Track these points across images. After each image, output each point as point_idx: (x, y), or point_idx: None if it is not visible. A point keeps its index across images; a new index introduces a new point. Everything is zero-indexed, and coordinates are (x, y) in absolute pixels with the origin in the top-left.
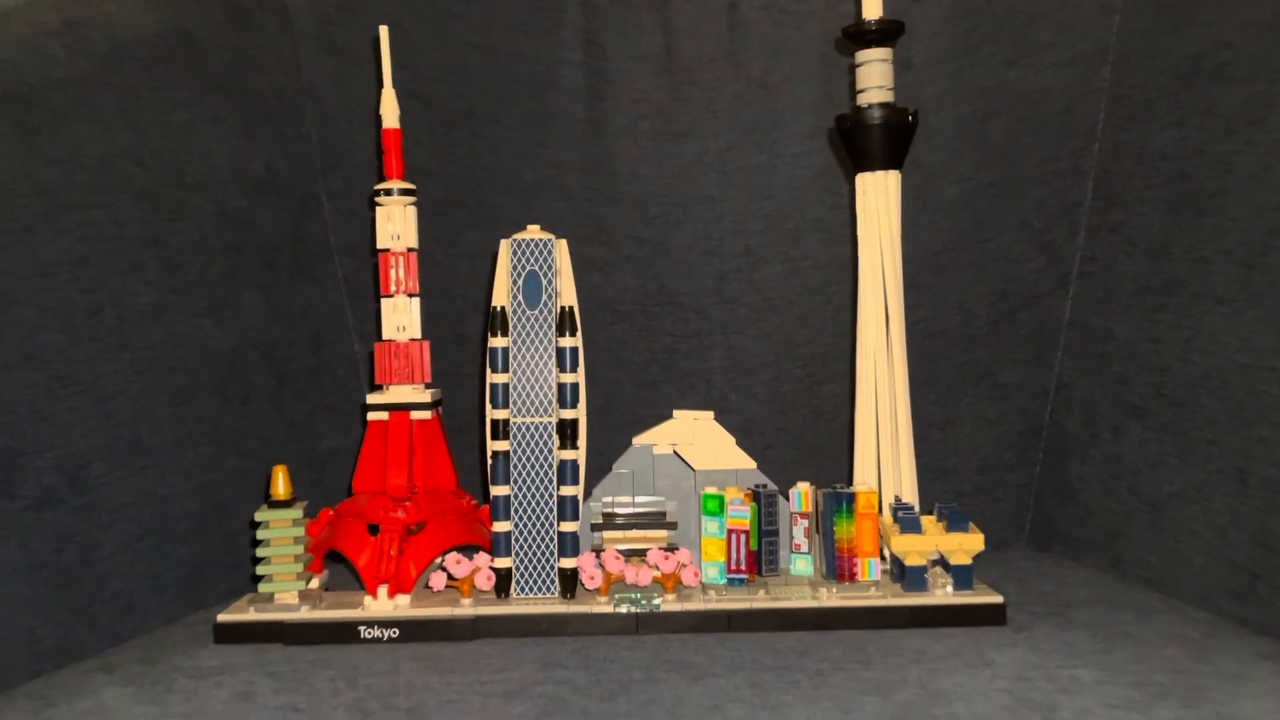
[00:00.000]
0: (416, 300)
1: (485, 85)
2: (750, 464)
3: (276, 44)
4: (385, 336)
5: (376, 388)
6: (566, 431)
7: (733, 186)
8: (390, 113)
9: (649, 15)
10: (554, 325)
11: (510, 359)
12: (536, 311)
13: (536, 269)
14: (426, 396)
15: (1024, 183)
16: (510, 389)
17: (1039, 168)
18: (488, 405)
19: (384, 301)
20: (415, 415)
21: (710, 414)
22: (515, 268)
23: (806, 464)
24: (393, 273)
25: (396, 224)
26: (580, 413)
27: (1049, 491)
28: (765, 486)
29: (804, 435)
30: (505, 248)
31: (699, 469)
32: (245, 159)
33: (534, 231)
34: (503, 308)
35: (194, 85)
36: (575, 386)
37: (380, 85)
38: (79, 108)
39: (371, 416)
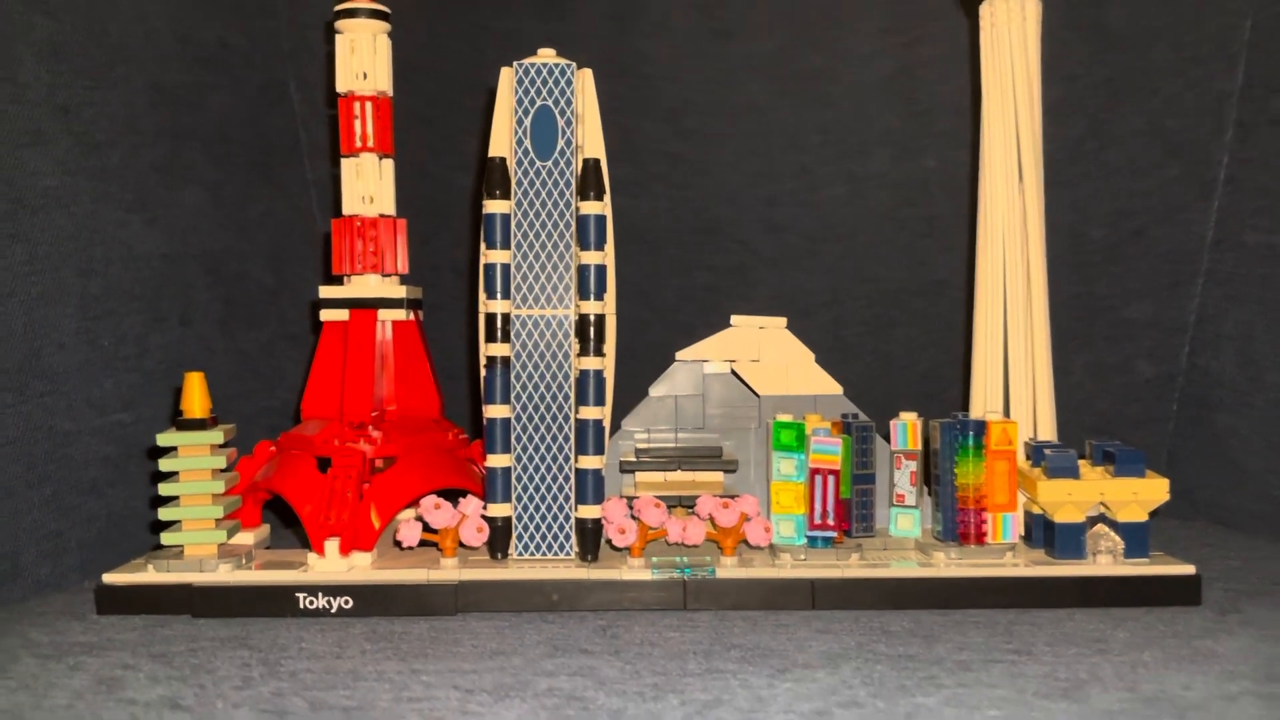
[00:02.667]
0: (389, 163)
1: None
2: (835, 388)
3: None
4: (346, 210)
5: (334, 280)
6: (590, 331)
7: (785, 94)
8: None
9: None
10: (574, 184)
11: (513, 229)
12: (549, 164)
13: (550, 104)
14: (401, 291)
15: (1152, 74)
16: (513, 271)
17: (1172, 54)
18: (481, 294)
19: (345, 163)
20: (385, 315)
21: (783, 321)
22: (522, 103)
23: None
24: (357, 124)
25: (364, 58)
26: (609, 306)
27: (1189, 451)
28: (856, 417)
29: (871, 388)
30: (507, 77)
31: (764, 394)
32: (191, 26)
33: (548, 55)
34: (503, 159)
35: None
36: (602, 269)
37: None
38: None
39: (326, 316)
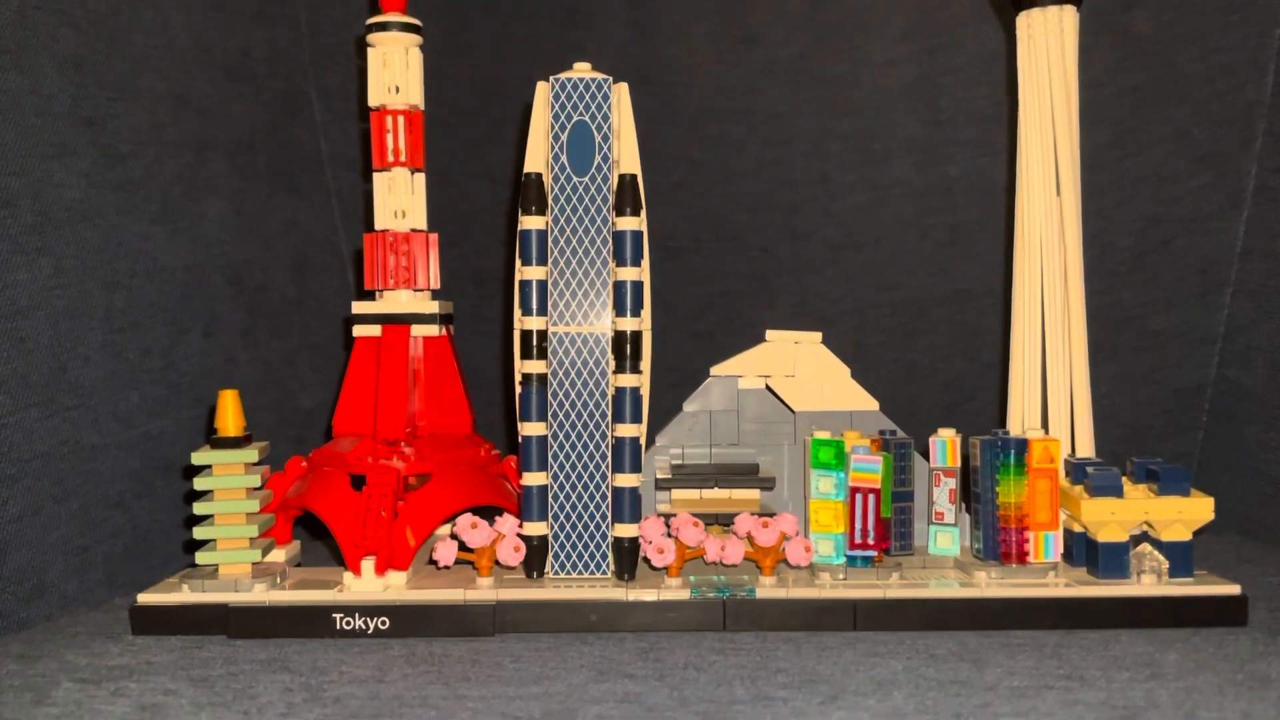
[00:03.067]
0: (421, 178)
1: None
2: (871, 403)
3: None
4: (378, 225)
5: (366, 295)
6: (626, 348)
7: (807, 101)
8: None
9: None
10: (610, 199)
11: (550, 245)
12: (586, 179)
13: (587, 119)
14: (433, 306)
15: (1180, 82)
16: (549, 288)
17: (1199, 63)
18: (517, 311)
19: (376, 178)
20: (418, 330)
21: (818, 336)
22: (559, 119)
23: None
24: (389, 138)
25: (396, 72)
26: (645, 323)
27: (1218, 463)
28: (894, 434)
29: (895, 397)
30: (543, 92)
31: (800, 410)
32: (214, 36)
33: (584, 70)
34: (539, 175)
35: None
36: (639, 285)
37: None
38: None
39: (358, 331)
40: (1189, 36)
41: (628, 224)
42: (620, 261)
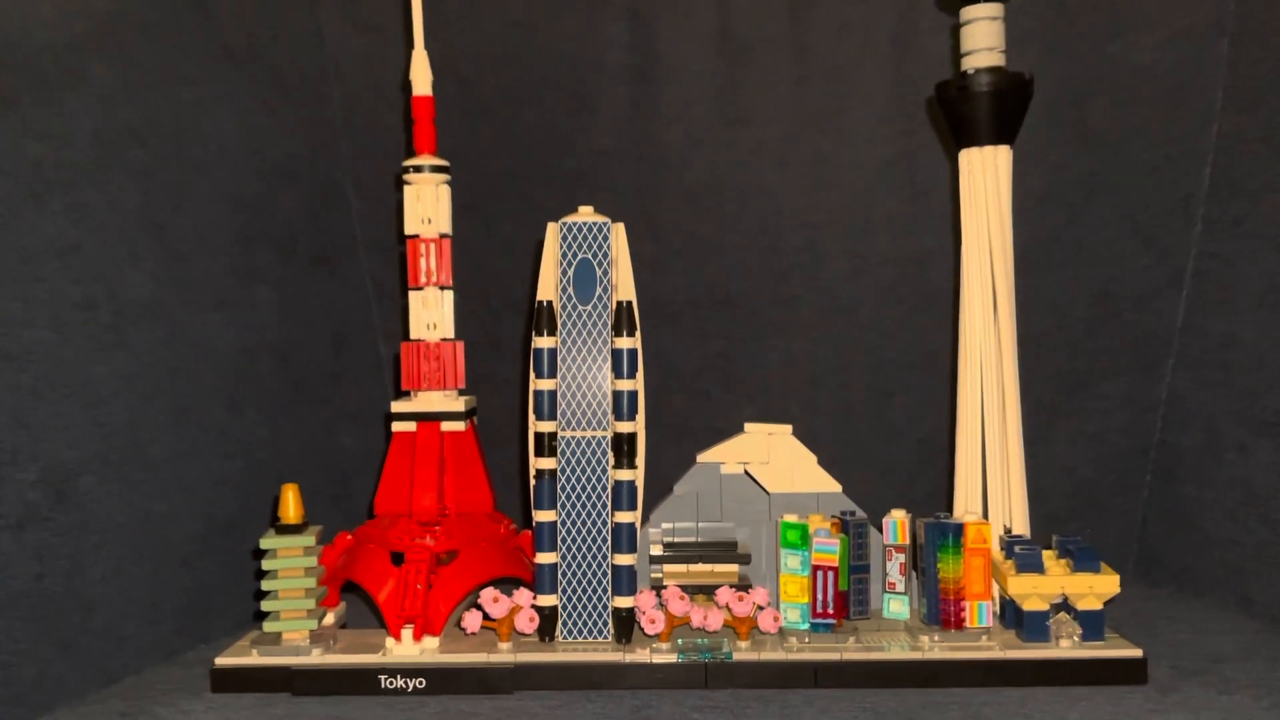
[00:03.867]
0: (449, 294)
1: (525, 64)
2: (835, 486)
3: (300, 17)
4: (413, 335)
5: (402, 394)
6: (624, 448)
7: (794, 177)
8: (421, 77)
9: None
10: (609, 323)
11: (559, 362)
12: (589, 307)
13: (590, 257)
14: (460, 405)
15: (1128, 172)
16: (558, 397)
17: (1145, 154)
18: (531, 416)
19: (412, 295)
20: (447, 426)
21: (788, 428)
22: (566, 255)
23: (878, 484)
24: (423, 261)
25: (428, 206)
26: (639, 426)
27: (1159, 519)
28: (854, 514)
29: (874, 451)
30: (553, 232)
31: (774, 492)
32: (261, 141)
33: (587, 214)
34: (549, 302)
35: (205, 58)
36: (634, 395)
37: (410, 49)
38: (71, 76)
39: (397, 427)
40: (1136, 129)
41: (624, 343)
42: (618, 375)
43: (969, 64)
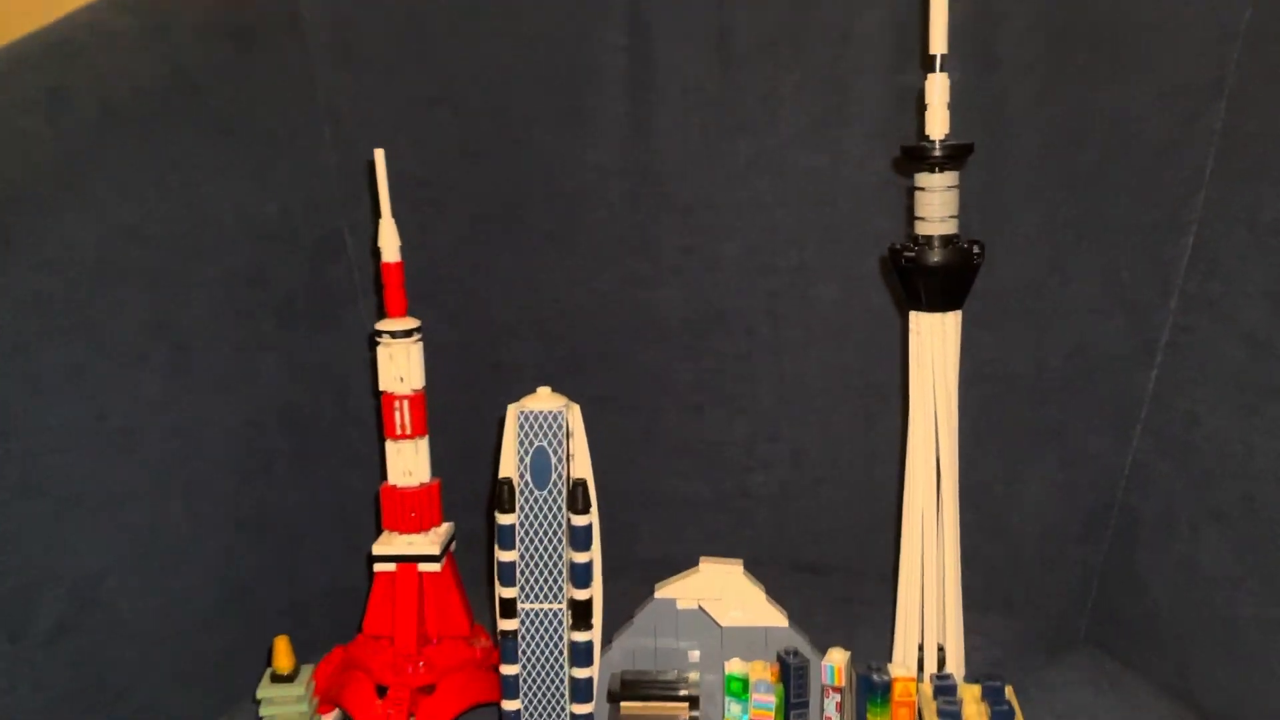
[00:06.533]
0: (424, 442)
1: (519, 81)
2: (781, 621)
3: (288, 65)
4: (391, 480)
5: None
6: (580, 611)
7: (790, 191)
8: (390, 244)
9: None
10: (564, 506)
11: (518, 537)
12: (545, 492)
13: (545, 445)
14: (437, 547)
15: (1113, 226)
16: (518, 569)
17: (1131, 211)
18: (497, 583)
19: (388, 444)
20: (424, 568)
21: (739, 564)
22: (523, 443)
23: (856, 506)
24: (397, 416)
25: (400, 365)
26: (595, 589)
27: (1116, 576)
28: (795, 654)
29: (855, 474)
30: (513, 418)
31: (725, 625)
32: (255, 205)
33: (544, 397)
34: (510, 480)
35: (194, 134)
36: (589, 565)
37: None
38: (68, 194)
39: (378, 568)
40: (1125, 184)
41: (581, 520)
42: (575, 548)
43: (922, 229)
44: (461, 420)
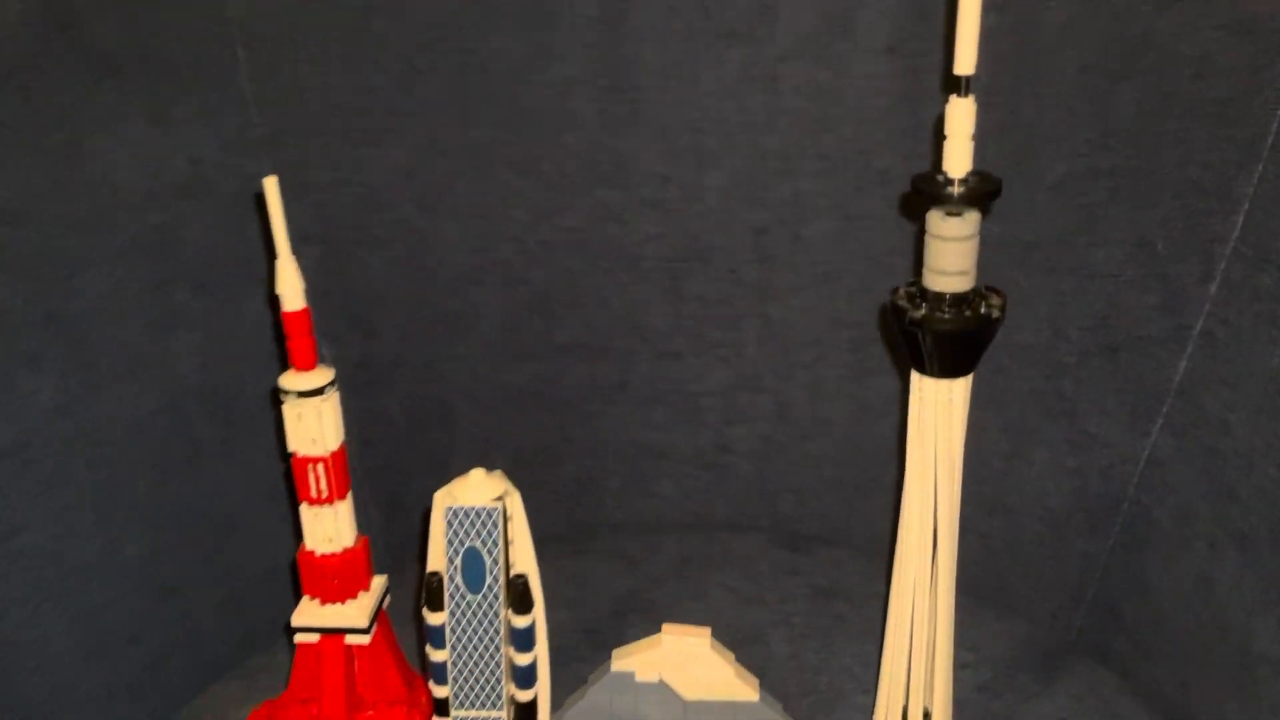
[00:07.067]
0: (346, 503)
1: None
2: (751, 695)
3: None
4: (309, 546)
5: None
6: (523, 715)
7: (783, 112)
8: (290, 288)
9: None
10: (500, 611)
11: (449, 638)
12: (479, 596)
13: (478, 545)
14: (365, 618)
15: (1153, 183)
16: (450, 672)
17: (1175, 172)
18: (431, 681)
19: (304, 510)
20: (352, 640)
21: (707, 632)
22: (452, 543)
23: (847, 465)
24: (312, 480)
25: (311, 427)
26: (542, 686)
27: (1119, 574)
28: None
29: (845, 431)
30: (440, 512)
31: (690, 698)
32: (159, 158)
33: (477, 483)
34: (439, 579)
35: (82, 80)
36: (532, 668)
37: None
38: None
39: (299, 639)
40: (1171, 135)
41: (523, 621)
42: (517, 649)
43: (933, 284)
44: (412, 380)
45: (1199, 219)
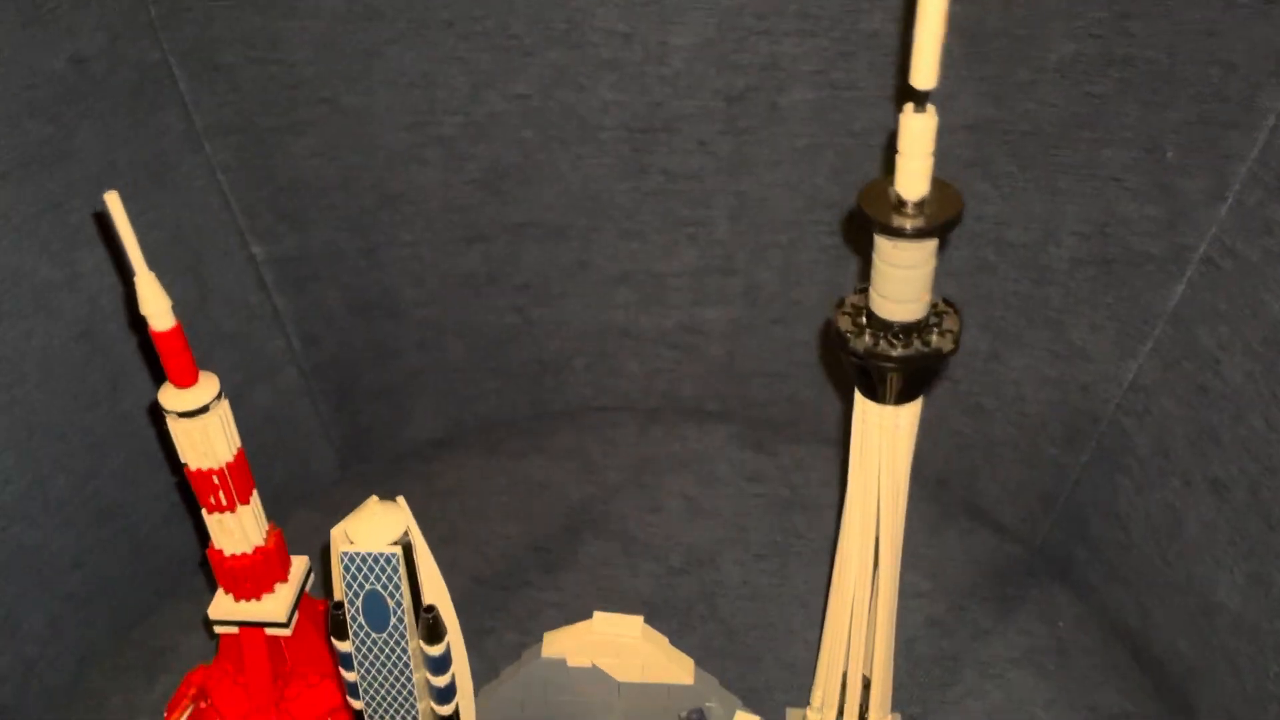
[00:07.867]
0: (249, 506)
1: None
2: (685, 678)
3: None
4: (218, 546)
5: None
6: None
7: None
8: (156, 308)
9: None
10: (407, 648)
11: (357, 666)
12: (384, 635)
13: (379, 589)
14: (283, 613)
15: (1170, 80)
16: (362, 693)
17: (1198, 67)
18: (347, 696)
19: (208, 517)
20: (273, 632)
21: (639, 621)
22: (351, 586)
23: (816, 351)
24: (209, 490)
25: (199, 443)
26: (464, 697)
27: (1090, 490)
28: (702, 715)
29: (819, 316)
30: (337, 550)
31: (622, 682)
32: (39, 57)
33: (373, 514)
34: (343, 609)
35: None
36: (451, 688)
37: None
38: None
39: (219, 630)
40: (1188, 25)
41: (438, 650)
42: (432, 673)
43: (881, 310)
44: (351, 271)
45: (1216, 129)
